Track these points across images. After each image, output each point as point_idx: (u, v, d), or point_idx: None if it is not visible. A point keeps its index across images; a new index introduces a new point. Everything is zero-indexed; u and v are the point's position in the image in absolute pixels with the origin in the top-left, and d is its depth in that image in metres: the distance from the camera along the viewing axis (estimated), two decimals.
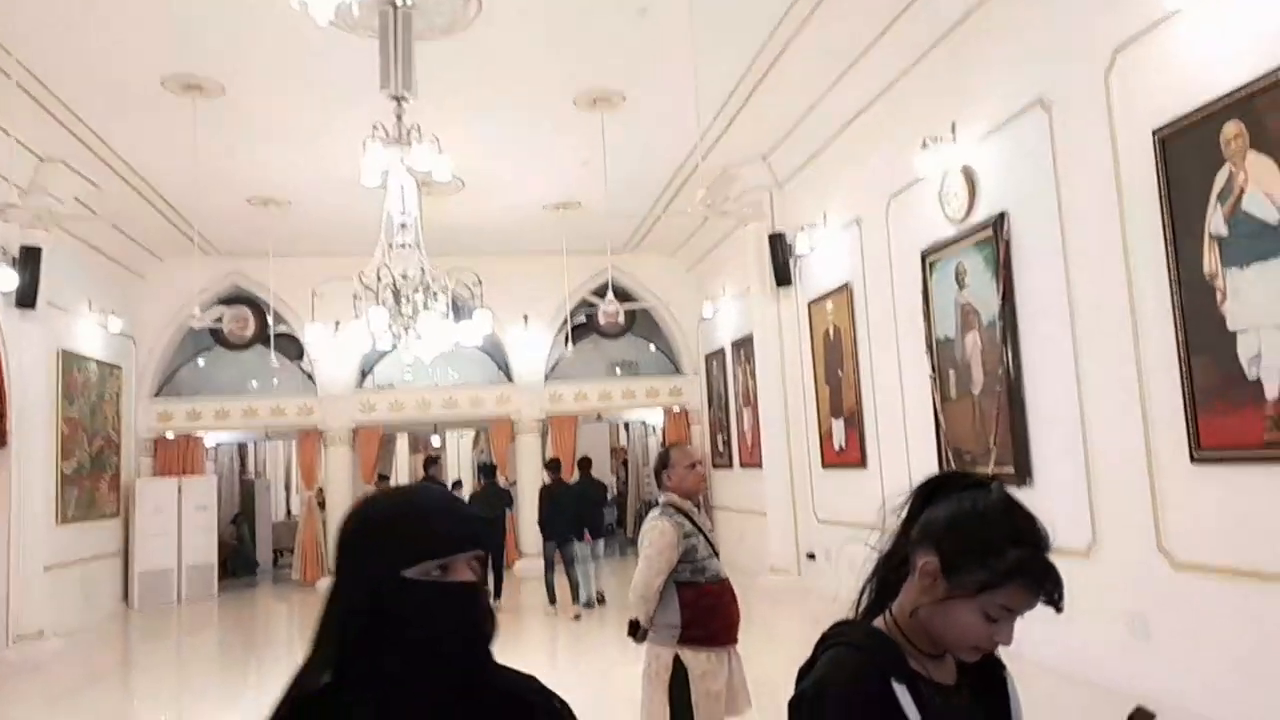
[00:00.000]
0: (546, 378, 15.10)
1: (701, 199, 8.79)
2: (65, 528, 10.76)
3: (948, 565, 1.30)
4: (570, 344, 13.75)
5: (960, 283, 7.35)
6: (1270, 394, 4.52)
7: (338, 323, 8.76)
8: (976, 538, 1.30)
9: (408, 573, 1.12)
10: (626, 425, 20.66)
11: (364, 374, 14.80)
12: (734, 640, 3.77)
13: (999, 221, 6.75)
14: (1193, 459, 5.01)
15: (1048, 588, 1.28)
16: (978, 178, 7.06)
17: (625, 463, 20.43)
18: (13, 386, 9.25)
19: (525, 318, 14.56)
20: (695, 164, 9.61)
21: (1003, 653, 1.40)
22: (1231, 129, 4.68)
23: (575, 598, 10.55)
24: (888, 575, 1.43)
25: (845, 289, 9.53)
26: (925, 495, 1.41)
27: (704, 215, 10.21)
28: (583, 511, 10.84)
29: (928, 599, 1.32)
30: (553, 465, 11.57)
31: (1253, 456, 4.65)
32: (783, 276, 10.73)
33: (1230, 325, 4.74)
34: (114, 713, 7.73)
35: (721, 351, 13.81)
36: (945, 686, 1.35)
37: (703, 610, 3.66)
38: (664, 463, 3.88)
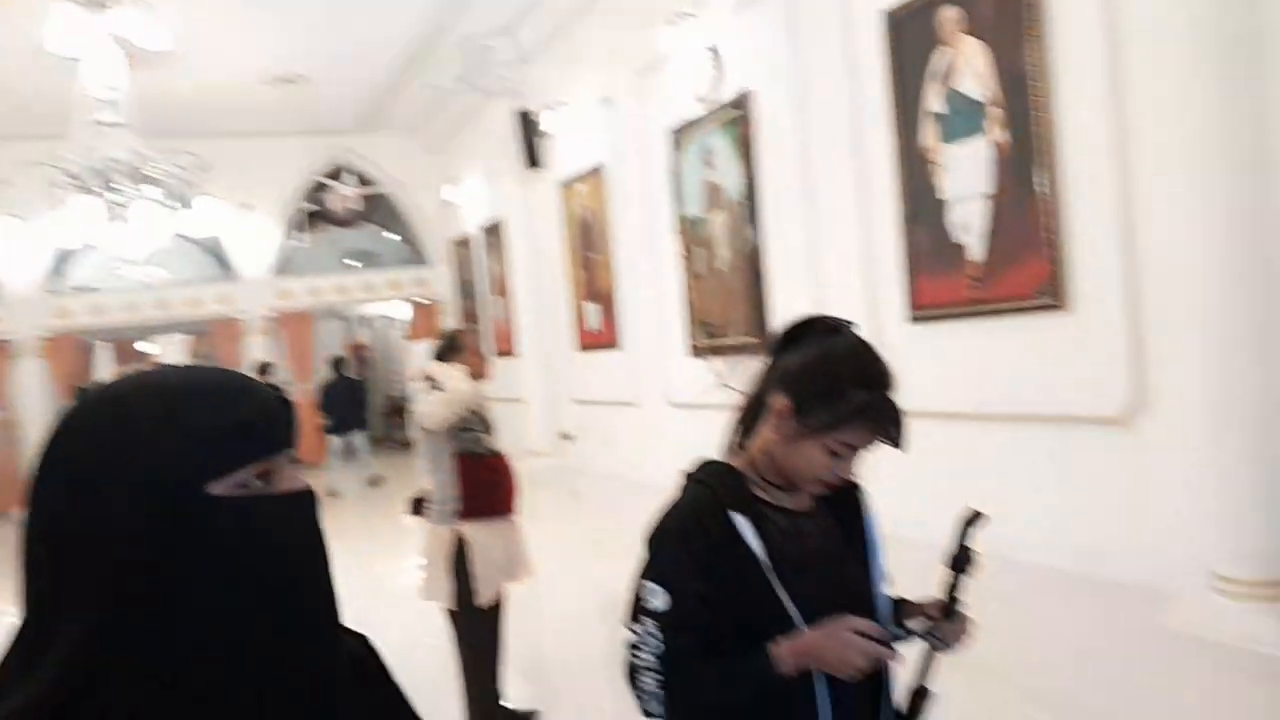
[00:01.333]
0: (274, 272, 14.39)
1: (455, 75, 8.63)
2: None
3: (798, 406, 1.43)
4: (301, 234, 13.15)
5: (708, 162, 7.84)
6: (973, 256, 5.34)
7: (21, 217, 7.93)
8: (825, 380, 1.42)
9: (214, 488, 0.76)
10: (367, 320, 20.15)
11: (58, 275, 13.37)
12: (513, 511, 4.02)
13: (744, 101, 7.24)
14: (911, 319, 5.82)
15: (888, 428, 1.43)
16: (723, 56, 7.48)
17: (365, 359, 20.00)
18: None
19: (247, 206, 13.71)
20: (436, 33, 9.37)
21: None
22: (948, 11, 5.32)
23: None
24: (752, 414, 1.54)
25: (598, 171, 9.80)
26: (787, 339, 1.52)
27: (448, 92, 10.01)
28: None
29: (779, 437, 1.46)
30: (337, 363, 12.84)
31: (958, 313, 5.50)
32: (532, 158, 10.81)
33: (943, 195, 5.49)
34: None
35: (469, 238, 13.76)
36: (796, 512, 1.50)
37: (481, 483, 3.85)
38: (452, 346, 3.97)
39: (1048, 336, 4.98)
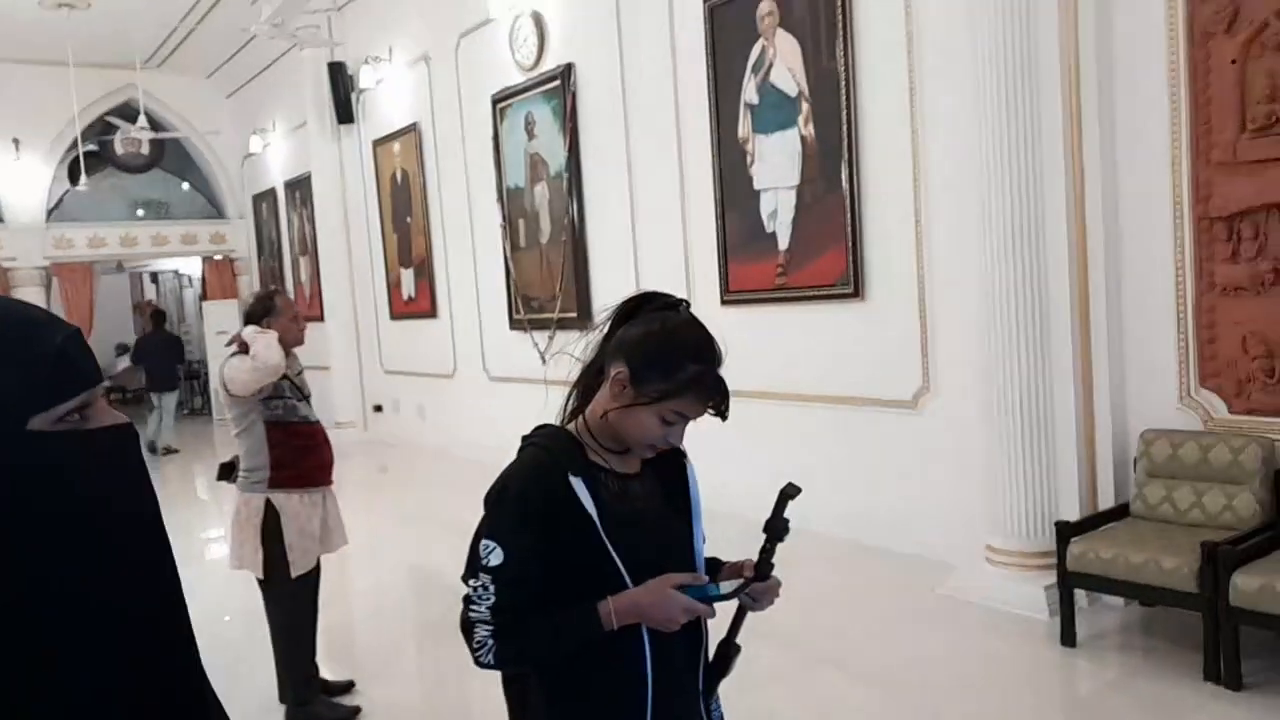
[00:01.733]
0: (49, 218, 13.31)
1: (269, 17, 8.24)
2: None
3: (635, 375, 1.55)
4: (83, 176, 12.20)
5: (530, 132, 7.89)
6: (781, 245, 5.69)
7: None
8: (661, 352, 1.55)
9: (34, 423, 0.73)
10: (155, 276, 18.95)
11: None
12: (328, 481, 4.00)
13: (566, 73, 7.32)
14: (722, 301, 6.13)
15: (716, 399, 1.56)
16: (547, 26, 7.53)
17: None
18: None
19: (16, 142, 12.60)
20: None
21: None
22: (766, 6, 5.60)
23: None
24: (589, 383, 1.66)
25: (414, 130, 9.63)
26: (625, 313, 1.64)
27: (256, 35, 9.55)
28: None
29: (616, 404, 1.57)
30: (156, 316, 12.72)
31: (766, 298, 5.86)
32: (344, 112, 10.49)
33: (756, 185, 5.81)
34: None
35: (272, 192, 13.19)
36: (625, 475, 1.63)
37: (294, 450, 3.79)
38: (267, 309, 3.87)
39: (846, 323, 5.39)
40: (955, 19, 4.50)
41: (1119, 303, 4.27)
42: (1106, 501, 4.32)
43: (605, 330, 1.65)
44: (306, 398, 3.94)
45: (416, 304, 10.08)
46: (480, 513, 1.57)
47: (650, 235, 6.78)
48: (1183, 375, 4.11)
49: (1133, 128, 4.17)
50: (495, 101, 8.17)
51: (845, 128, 5.18)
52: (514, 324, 8.36)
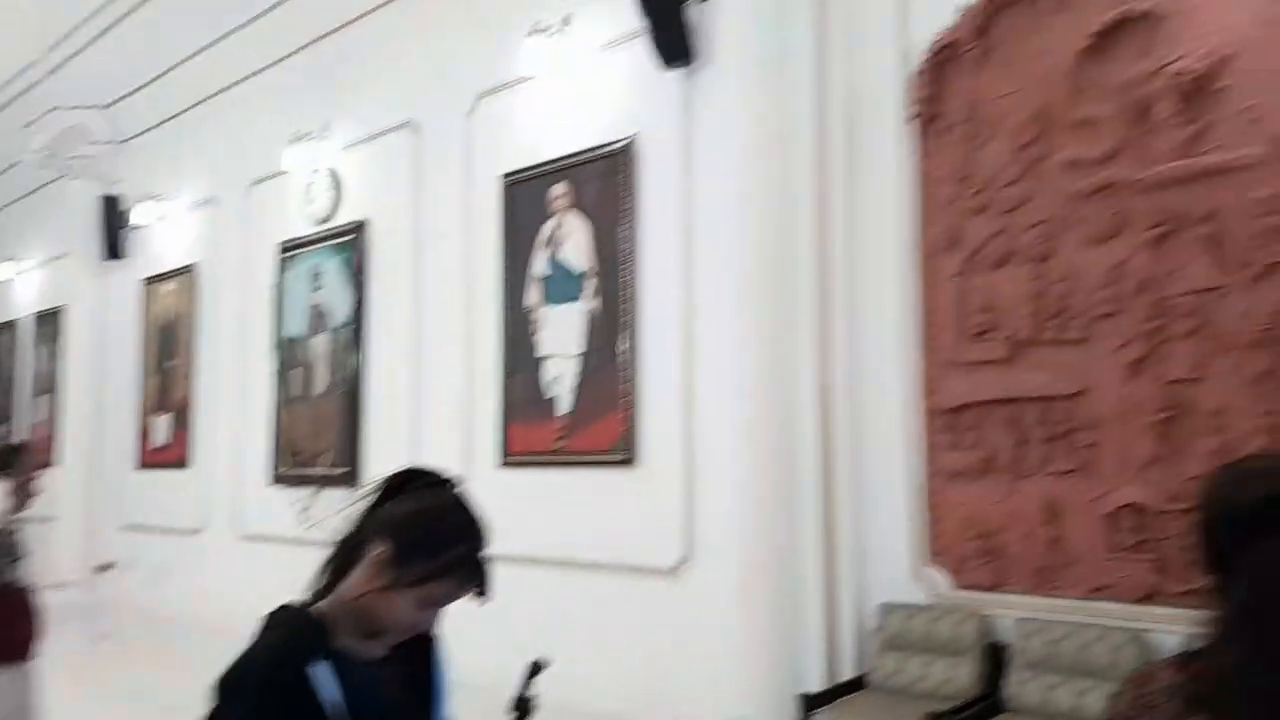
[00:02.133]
0: None
1: (41, 148, 8.07)
2: None
3: (397, 556, 1.51)
4: None
5: (315, 283, 7.99)
6: (560, 410, 6.01)
7: None
8: (427, 532, 1.54)
9: None
10: None
11: None
12: (34, 655, 3.74)
13: (359, 229, 7.56)
14: (502, 463, 6.32)
15: (478, 583, 1.56)
16: (344, 182, 7.79)
17: None
18: None
19: None
20: (17, 92, 8.76)
21: None
22: (559, 189, 6.12)
23: None
24: (345, 559, 1.60)
25: (190, 272, 9.48)
26: (391, 488, 1.62)
27: (22, 162, 9.31)
28: None
29: (374, 585, 1.52)
30: None
31: (545, 462, 6.10)
32: (114, 247, 10.20)
33: (539, 352, 6.16)
34: None
35: (14, 324, 12.41)
36: (372, 661, 1.56)
37: None
38: (7, 463, 3.69)
39: (619, 490, 5.67)
40: (726, 216, 5.12)
41: (860, 484, 4.79)
42: (849, 672, 4.69)
43: (369, 504, 1.63)
44: (23, 557, 3.75)
45: (169, 452, 9.61)
46: (211, 699, 1.49)
47: (432, 394, 6.91)
48: (914, 553, 4.64)
49: (875, 328, 4.83)
50: (282, 249, 8.25)
51: (626, 304, 5.65)
52: (277, 479, 8.15)
